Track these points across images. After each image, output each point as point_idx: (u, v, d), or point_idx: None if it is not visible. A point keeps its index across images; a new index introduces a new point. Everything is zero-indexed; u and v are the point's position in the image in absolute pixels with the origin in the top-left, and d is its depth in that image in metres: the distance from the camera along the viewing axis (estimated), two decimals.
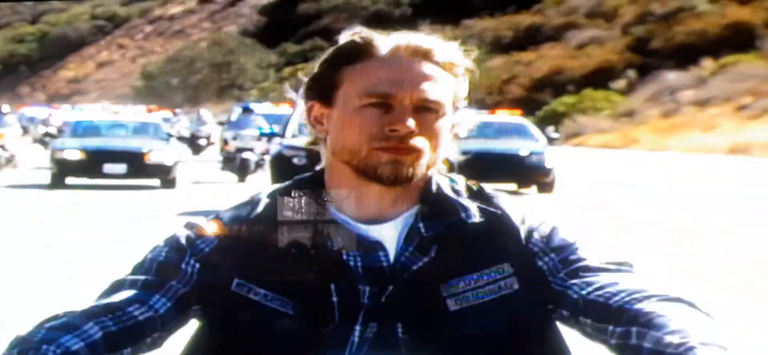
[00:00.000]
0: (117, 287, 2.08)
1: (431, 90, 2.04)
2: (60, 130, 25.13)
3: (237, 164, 23.96)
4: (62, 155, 22.80)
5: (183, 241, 2.12)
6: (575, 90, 49.25)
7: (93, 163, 22.59)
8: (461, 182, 2.13)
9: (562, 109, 47.26)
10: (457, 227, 2.07)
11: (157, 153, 22.90)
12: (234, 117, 28.07)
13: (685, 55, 48.37)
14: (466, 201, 2.09)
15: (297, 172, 2.19)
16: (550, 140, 22.96)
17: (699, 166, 30.95)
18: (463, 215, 2.08)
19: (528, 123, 23.47)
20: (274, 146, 17.83)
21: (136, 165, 22.88)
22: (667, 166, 31.00)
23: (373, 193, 2.07)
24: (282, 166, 16.08)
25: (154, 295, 2.06)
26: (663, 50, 51.00)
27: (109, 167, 22.90)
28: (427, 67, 2.05)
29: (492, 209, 2.09)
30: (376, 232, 2.07)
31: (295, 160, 15.51)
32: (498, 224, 2.08)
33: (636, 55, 51.57)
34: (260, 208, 2.12)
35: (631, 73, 50.37)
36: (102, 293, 2.08)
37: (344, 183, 2.10)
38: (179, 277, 2.08)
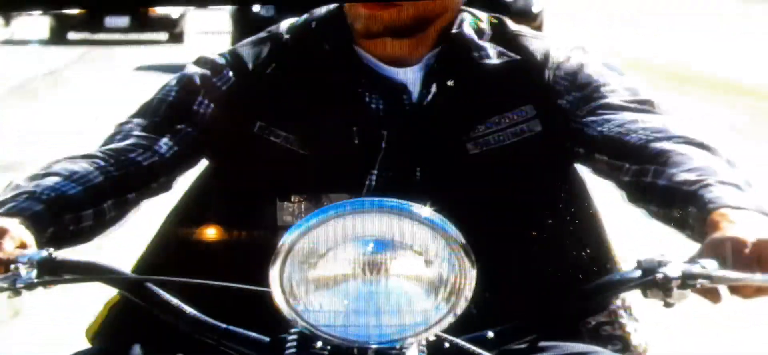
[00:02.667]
0: (122, 130, 2.02)
1: None
2: None
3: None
4: (60, 9, 22.30)
5: (197, 79, 2.04)
6: None
7: (94, 16, 22.12)
8: (485, 19, 2.07)
9: None
10: (479, 69, 2.03)
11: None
12: None
13: None
14: (487, 42, 2.04)
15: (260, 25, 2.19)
16: None
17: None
18: (484, 56, 2.03)
19: None
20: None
21: (141, 18, 22.51)
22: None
23: (390, 41, 2.01)
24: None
25: (162, 138, 2.00)
26: None
27: (111, 21, 22.58)
28: None
29: (516, 48, 2.04)
30: (399, 74, 2.03)
31: (263, 12, 15.03)
32: (521, 63, 2.03)
33: None
34: (280, 43, 2.06)
35: None
36: (107, 137, 2.02)
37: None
38: (190, 119, 2.02)
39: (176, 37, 22.13)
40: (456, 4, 2.04)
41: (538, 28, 20.53)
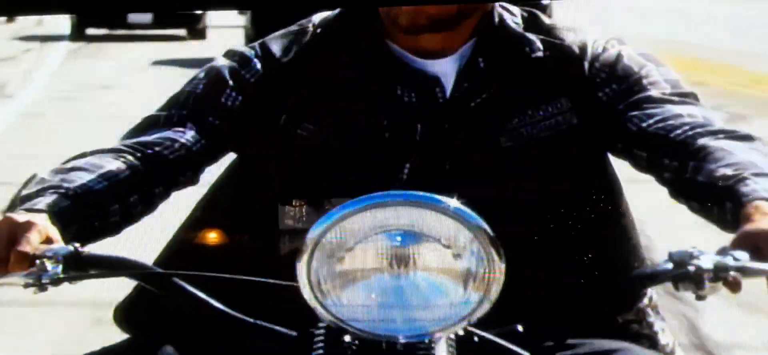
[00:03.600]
0: (149, 122, 2.01)
1: None
2: None
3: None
4: (82, 3, 22.29)
5: (225, 72, 2.03)
6: None
7: (116, 12, 22.16)
8: (517, 12, 2.05)
9: None
10: (517, 61, 2.01)
11: None
12: None
13: None
14: (527, 33, 2.02)
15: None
16: None
17: None
18: (520, 49, 2.01)
19: None
20: None
21: (163, 13, 22.47)
22: None
23: (427, 35, 1.98)
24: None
25: (189, 132, 1.99)
26: None
27: (133, 16, 22.53)
28: None
29: (553, 40, 2.02)
30: (432, 67, 2.00)
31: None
32: (558, 55, 2.01)
33: None
34: (310, 37, 2.04)
35: None
36: (133, 129, 2.01)
37: (401, 16, 1.98)
38: (217, 111, 2.01)
39: (199, 33, 22.12)
40: None
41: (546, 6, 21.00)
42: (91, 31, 22.41)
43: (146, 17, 22.64)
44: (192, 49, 18.79)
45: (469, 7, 1.99)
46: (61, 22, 23.75)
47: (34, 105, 12.90)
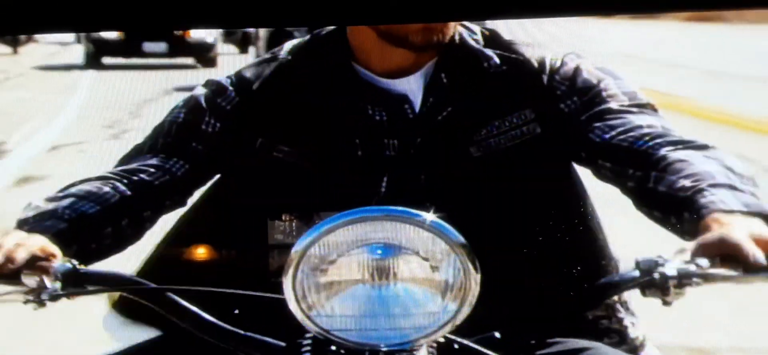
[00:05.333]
0: (136, 151, 2.10)
1: None
2: None
3: (239, 36, 24.25)
4: (99, 34, 22.73)
5: (203, 101, 2.12)
6: None
7: (132, 42, 22.52)
8: (478, 30, 2.12)
9: None
10: (476, 76, 2.08)
11: (198, 31, 22.79)
12: None
13: None
14: (485, 49, 2.09)
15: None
16: None
17: None
18: (482, 63, 2.08)
19: None
20: None
21: (178, 43, 22.72)
22: None
23: (398, 50, 2.05)
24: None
25: (172, 158, 2.08)
26: None
27: (149, 46, 22.75)
28: None
29: (511, 55, 2.09)
30: (399, 85, 2.07)
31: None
32: (517, 69, 2.08)
33: None
34: (281, 64, 2.12)
35: None
36: (122, 158, 2.10)
37: (367, 41, 2.07)
38: (198, 138, 2.09)
39: (210, 61, 22.32)
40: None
41: None
42: (107, 60, 22.61)
43: (161, 46, 22.86)
44: (204, 75, 18.95)
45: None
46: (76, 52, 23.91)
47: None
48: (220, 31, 23.06)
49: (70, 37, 26.74)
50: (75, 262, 1.84)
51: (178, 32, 22.76)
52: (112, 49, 22.45)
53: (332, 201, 1.98)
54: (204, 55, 22.01)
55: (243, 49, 26.02)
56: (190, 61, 22.03)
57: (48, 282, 1.81)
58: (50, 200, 1.99)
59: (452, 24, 2.06)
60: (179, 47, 22.51)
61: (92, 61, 22.32)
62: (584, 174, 2.11)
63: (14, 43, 25.82)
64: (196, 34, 22.68)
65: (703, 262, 1.74)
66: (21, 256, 1.83)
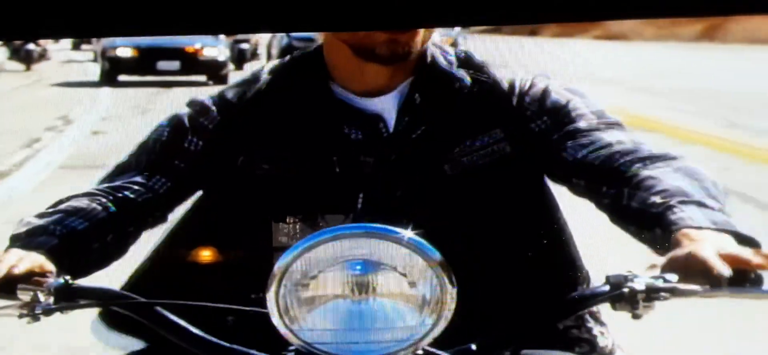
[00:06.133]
0: (120, 168, 2.17)
1: None
2: None
3: (235, 54, 25.40)
4: (115, 53, 23.19)
5: (186, 120, 2.18)
6: None
7: (146, 61, 22.62)
8: (452, 51, 2.18)
9: None
10: (450, 96, 2.14)
11: (209, 49, 23.33)
12: None
13: None
14: (457, 70, 2.16)
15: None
16: None
17: None
18: (455, 84, 2.14)
19: None
20: (282, 38, 18.96)
21: (190, 61, 23.26)
22: None
23: (372, 68, 2.11)
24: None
25: (155, 175, 2.13)
26: None
27: (162, 64, 23.26)
28: None
29: (482, 76, 2.16)
30: (374, 105, 2.14)
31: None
32: (489, 90, 2.15)
33: None
34: (262, 84, 2.18)
35: None
36: (107, 175, 2.16)
37: (342, 59, 2.13)
38: (181, 156, 2.15)
39: (221, 79, 22.61)
40: (427, 38, 2.16)
41: None
42: (122, 77, 22.99)
43: (174, 64, 23.29)
44: (215, 91, 19.15)
45: (428, 37, 2.13)
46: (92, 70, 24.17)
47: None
48: (229, 52, 23.60)
49: (87, 54, 27.03)
50: (68, 277, 1.90)
51: (190, 50, 23.17)
52: (128, 67, 22.99)
53: (311, 216, 2.06)
54: (215, 72, 22.41)
55: (238, 66, 26.61)
56: (202, 78, 22.37)
57: (42, 297, 1.86)
58: (41, 215, 2.05)
59: (419, 38, 2.10)
60: (191, 65, 22.93)
61: (108, 78, 22.81)
62: (556, 190, 2.16)
63: (28, 61, 26.18)
64: (208, 53, 23.14)
65: (672, 277, 1.79)
66: (18, 272, 1.89)
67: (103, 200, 2.10)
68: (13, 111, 17.80)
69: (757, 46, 27.40)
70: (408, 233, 1.74)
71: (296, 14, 1.73)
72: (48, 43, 27.79)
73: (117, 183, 2.13)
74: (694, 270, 1.78)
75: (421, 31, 2.09)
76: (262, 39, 27.22)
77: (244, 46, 26.13)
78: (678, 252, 1.82)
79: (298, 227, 2.09)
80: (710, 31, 35.29)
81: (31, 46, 26.46)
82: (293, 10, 1.72)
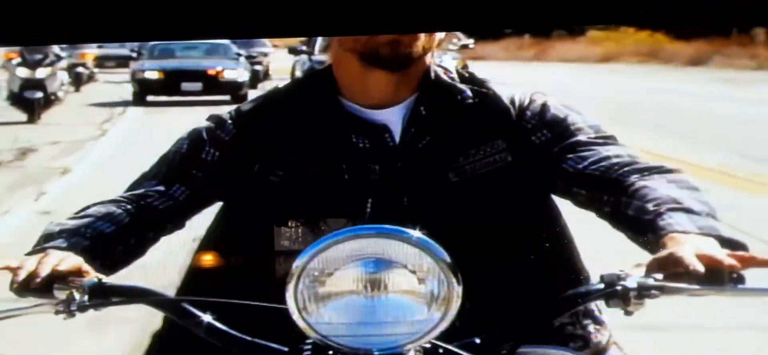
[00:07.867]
0: (143, 178, 2.31)
1: None
2: (139, 53, 26.05)
3: (249, 74, 25.83)
4: (143, 75, 24.12)
5: (204, 133, 2.31)
6: None
7: (171, 82, 23.70)
8: (453, 68, 2.31)
9: None
10: (454, 108, 2.26)
11: (230, 71, 24.08)
12: None
13: None
14: (460, 85, 2.28)
15: None
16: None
17: None
18: (458, 98, 2.27)
19: None
20: (305, 62, 19.57)
21: (212, 83, 24.02)
22: None
23: (377, 78, 2.23)
24: None
25: (174, 184, 2.27)
26: None
27: (186, 85, 24.09)
28: None
29: (483, 90, 2.29)
30: (381, 116, 2.26)
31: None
32: (491, 104, 2.28)
33: None
34: (276, 99, 2.33)
35: None
36: (131, 184, 2.30)
37: (350, 72, 2.26)
38: (199, 166, 2.28)
39: (241, 98, 23.12)
40: (431, 50, 2.28)
41: None
42: (150, 98, 23.81)
43: (197, 86, 23.98)
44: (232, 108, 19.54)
45: (430, 45, 2.25)
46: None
47: None
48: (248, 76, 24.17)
49: (125, 75, 27.74)
50: (101, 276, 2.04)
51: (212, 72, 23.71)
52: (155, 88, 24.07)
53: (322, 220, 2.19)
54: (236, 92, 23.02)
55: (253, 85, 27.13)
56: (225, 97, 22.96)
57: (77, 295, 2.00)
58: (72, 219, 2.20)
59: (421, 42, 2.20)
60: (213, 86, 23.64)
61: (139, 99, 23.73)
62: (557, 197, 2.28)
63: (77, 82, 26.99)
64: (229, 75, 23.92)
65: (659, 276, 1.93)
66: (57, 271, 2.04)
67: (128, 206, 2.23)
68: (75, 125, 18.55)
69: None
70: (417, 234, 1.85)
71: (297, 18, 1.73)
72: (89, 61, 28.60)
73: (140, 191, 2.26)
74: (675, 269, 1.92)
75: (423, 36, 2.20)
76: (275, 62, 27.70)
77: (258, 67, 26.76)
78: (662, 253, 1.96)
79: (309, 229, 2.21)
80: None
81: (80, 69, 27.33)
82: (295, 14, 1.73)
